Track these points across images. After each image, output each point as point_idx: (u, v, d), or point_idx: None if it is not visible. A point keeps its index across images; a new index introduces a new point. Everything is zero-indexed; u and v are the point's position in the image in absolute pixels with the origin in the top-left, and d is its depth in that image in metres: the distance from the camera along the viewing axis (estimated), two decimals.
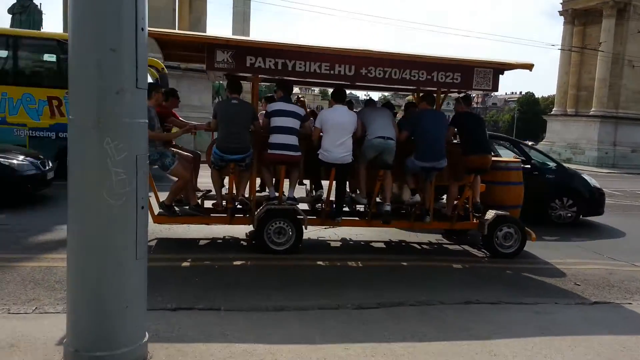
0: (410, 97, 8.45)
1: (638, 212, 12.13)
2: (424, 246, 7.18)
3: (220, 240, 6.80)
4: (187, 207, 6.37)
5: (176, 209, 6.33)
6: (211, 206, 6.39)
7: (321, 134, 6.15)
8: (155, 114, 6.05)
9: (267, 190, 6.65)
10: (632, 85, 28.86)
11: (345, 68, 6.13)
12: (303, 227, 6.17)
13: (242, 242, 6.82)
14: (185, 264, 5.64)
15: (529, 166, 8.82)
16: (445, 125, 6.53)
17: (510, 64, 6.40)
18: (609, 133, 30.14)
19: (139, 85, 2.94)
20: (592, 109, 30.60)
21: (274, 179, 6.48)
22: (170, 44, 6.54)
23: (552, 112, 35.59)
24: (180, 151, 6.46)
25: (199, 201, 6.57)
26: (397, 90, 7.72)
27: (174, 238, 6.73)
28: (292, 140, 5.93)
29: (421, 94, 6.97)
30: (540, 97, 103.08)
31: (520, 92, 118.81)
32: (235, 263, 5.77)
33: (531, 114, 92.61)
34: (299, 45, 5.83)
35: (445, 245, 7.29)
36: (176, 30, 6.15)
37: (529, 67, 6.27)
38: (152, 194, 6.24)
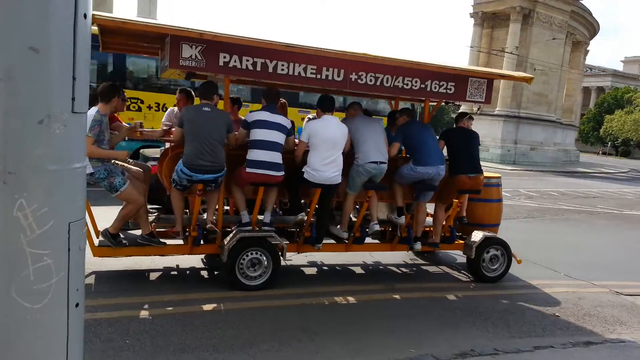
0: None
1: (562, 216, 12.40)
2: (402, 269, 6.53)
3: (175, 272, 5.66)
4: (138, 235, 5.18)
5: (122, 237, 5.12)
6: (170, 233, 5.22)
7: (307, 149, 5.25)
8: (107, 125, 4.80)
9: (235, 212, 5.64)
10: (533, 88, 30.50)
11: (334, 72, 5.26)
12: (281, 257, 5.25)
13: (201, 271, 5.75)
14: (143, 313, 4.48)
15: None
16: (434, 137, 5.92)
17: (512, 76, 5.90)
18: (510, 132, 31.72)
19: (76, 109, 1.83)
20: (497, 109, 32.06)
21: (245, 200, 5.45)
22: (115, 33, 5.24)
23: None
24: (128, 165, 5.21)
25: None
26: (386, 99, 6.95)
27: (114, 270, 5.47)
28: (276, 157, 4.97)
29: (400, 109, 6.28)
30: None
31: None
32: (205, 307, 4.70)
33: (438, 110, 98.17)
34: (286, 44, 4.85)
35: (423, 267, 6.70)
36: (131, 18, 4.82)
37: (528, 79, 5.80)
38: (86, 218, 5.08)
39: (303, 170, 5.17)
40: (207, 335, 4.06)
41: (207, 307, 4.68)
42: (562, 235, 9.57)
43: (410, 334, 4.45)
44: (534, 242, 8.44)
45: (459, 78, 5.72)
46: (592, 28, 40.16)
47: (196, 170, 4.72)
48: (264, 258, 5.16)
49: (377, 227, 5.74)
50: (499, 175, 6.98)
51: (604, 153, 63.85)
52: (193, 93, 6.10)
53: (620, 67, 79.32)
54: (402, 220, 5.89)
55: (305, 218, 5.42)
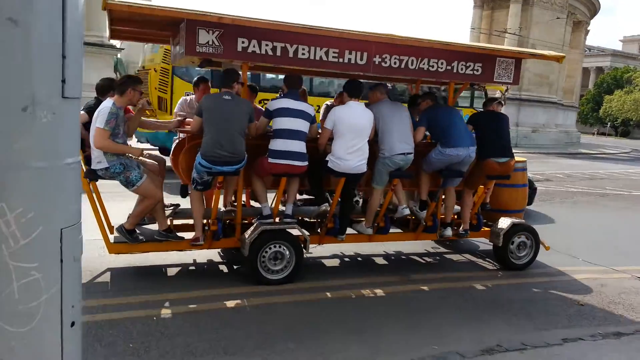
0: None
1: (571, 198, 12.12)
2: (425, 258, 6.33)
3: (193, 267, 5.44)
4: (155, 231, 4.95)
5: (138, 233, 4.90)
6: (189, 244, 4.95)
7: (331, 136, 5.01)
8: (123, 118, 4.55)
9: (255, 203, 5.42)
10: (534, 69, 30.16)
11: (357, 55, 4.99)
12: (304, 250, 5.05)
13: (219, 266, 5.54)
14: (165, 312, 4.27)
15: None
16: (462, 118, 5.68)
17: (543, 54, 5.64)
18: (512, 114, 31.32)
19: (67, 93, 1.58)
20: (498, 91, 31.75)
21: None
22: (126, 20, 4.97)
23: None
24: (143, 158, 4.96)
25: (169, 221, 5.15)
26: (407, 82, 6.68)
27: (131, 267, 5.26)
28: (300, 147, 4.74)
29: (423, 93, 6.02)
30: None
31: None
32: (228, 304, 4.50)
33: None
34: (310, 27, 4.59)
35: (446, 256, 6.50)
36: (144, 3, 4.52)
37: (560, 58, 5.54)
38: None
39: (327, 159, 4.94)
40: (217, 336, 3.83)
41: (220, 304, 4.47)
42: (574, 219, 9.34)
43: (432, 328, 4.24)
44: (547, 227, 8.18)
45: (486, 58, 5.47)
46: (593, 7, 39.65)
47: (215, 162, 4.48)
48: (287, 251, 4.95)
49: (407, 212, 5.54)
50: (525, 159, 6.76)
51: (601, 133, 63.61)
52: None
53: (619, 47, 78.79)
54: (424, 214, 5.69)
55: (329, 209, 5.20)
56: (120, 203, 5.75)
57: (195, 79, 5.99)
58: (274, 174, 4.85)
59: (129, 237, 4.73)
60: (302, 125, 4.73)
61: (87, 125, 4.58)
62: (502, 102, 5.84)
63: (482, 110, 5.95)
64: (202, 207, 4.86)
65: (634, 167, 23.30)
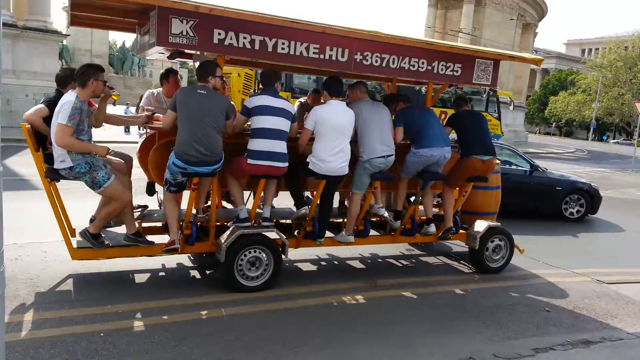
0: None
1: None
2: (402, 261, 6.21)
3: (163, 273, 5.10)
4: (122, 235, 4.60)
5: (103, 237, 4.53)
6: (163, 248, 4.52)
7: (312, 137, 4.78)
8: (87, 113, 4.16)
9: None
10: None
11: (338, 52, 4.79)
12: (283, 254, 4.82)
13: (190, 271, 5.23)
14: (137, 324, 3.94)
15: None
16: (438, 119, 5.59)
17: (523, 57, 5.60)
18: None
19: None
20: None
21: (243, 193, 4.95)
22: (87, 5, 4.57)
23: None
24: (110, 157, 4.58)
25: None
26: (384, 81, 6.50)
27: (94, 273, 4.88)
28: (282, 147, 4.49)
29: (397, 95, 5.87)
30: None
31: None
32: (202, 314, 4.21)
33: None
34: (292, 20, 4.34)
35: (421, 259, 6.41)
36: None
37: (538, 61, 5.52)
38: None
39: (308, 160, 4.71)
40: (170, 355, 3.52)
41: (195, 314, 4.18)
42: (530, 220, 9.34)
43: (403, 339, 4.03)
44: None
45: (466, 59, 5.38)
46: (541, 10, 41.01)
47: (190, 162, 4.17)
48: (265, 256, 4.71)
49: (383, 211, 5.43)
50: (499, 161, 6.74)
51: (546, 133, 66.14)
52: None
53: (563, 50, 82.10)
54: (399, 224, 5.57)
55: (309, 212, 4.98)
56: (82, 202, 5.35)
57: (163, 71, 5.63)
58: (253, 175, 4.58)
59: (94, 242, 4.36)
60: (283, 124, 4.48)
61: (48, 120, 4.17)
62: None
63: (458, 112, 5.84)
64: (177, 208, 4.53)
65: (580, 166, 24.22)
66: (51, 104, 4.27)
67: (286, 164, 4.53)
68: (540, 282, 5.81)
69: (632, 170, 23.06)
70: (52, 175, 4.26)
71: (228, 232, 4.65)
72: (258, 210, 4.93)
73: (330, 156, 4.66)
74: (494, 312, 4.77)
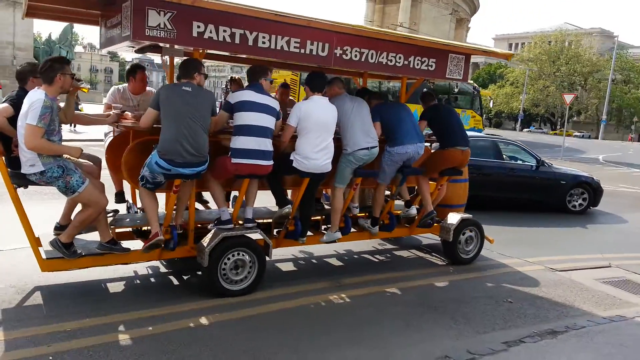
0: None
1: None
2: (377, 257, 6.20)
3: (138, 281, 4.81)
4: (94, 242, 4.29)
5: (75, 246, 4.20)
6: (147, 242, 4.24)
7: (294, 134, 4.64)
8: (57, 111, 3.81)
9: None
10: None
11: (319, 47, 4.67)
12: (267, 256, 4.67)
13: (168, 276, 4.97)
14: (123, 337, 3.68)
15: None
16: (412, 115, 5.60)
17: (494, 52, 5.70)
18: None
19: None
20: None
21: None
22: None
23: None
24: (80, 159, 4.24)
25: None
26: (354, 76, 6.38)
27: (61, 284, 4.52)
28: (267, 144, 4.33)
29: (369, 91, 5.80)
30: None
31: None
32: (190, 325, 3.97)
33: None
34: (276, 13, 4.18)
35: (395, 252, 6.43)
36: None
37: (508, 56, 5.64)
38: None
39: (292, 158, 4.57)
40: None
41: (181, 323, 3.95)
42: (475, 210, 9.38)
43: (376, 342, 3.91)
44: None
45: (439, 54, 5.41)
46: (473, 5, 42.44)
47: (175, 163, 3.93)
48: (248, 258, 4.54)
49: (357, 211, 5.46)
50: None
51: None
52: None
53: (492, 44, 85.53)
54: (376, 230, 5.59)
55: (291, 211, 4.84)
56: (37, 206, 4.95)
57: (129, 66, 5.30)
58: (237, 175, 4.38)
59: (65, 252, 4.03)
60: (268, 121, 4.31)
61: (11, 120, 3.80)
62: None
63: (431, 105, 5.89)
64: (155, 202, 4.24)
65: None
66: (15, 102, 3.90)
67: (271, 162, 4.38)
68: (497, 272, 5.89)
69: (561, 158, 24.34)
70: (20, 181, 3.90)
71: (210, 235, 4.44)
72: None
73: (314, 153, 4.55)
74: (460, 306, 4.74)
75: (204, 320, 4.03)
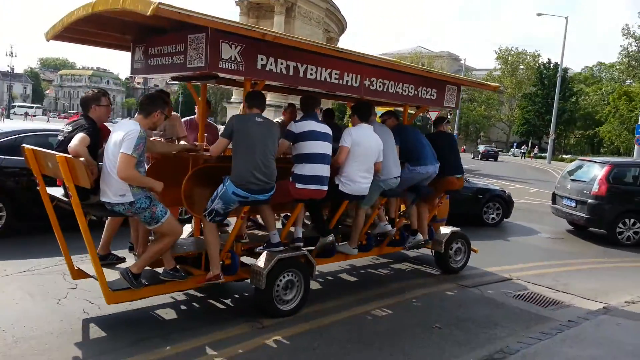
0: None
1: None
2: (381, 270, 6.63)
3: (184, 307, 4.79)
4: (157, 271, 4.27)
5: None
6: (204, 282, 4.35)
7: None
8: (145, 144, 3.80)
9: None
10: None
11: (353, 78, 5.07)
12: (310, 276, 4.92)
13: (208, 300, 4.99)
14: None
15: None
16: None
17: (481, 83, 6.45)
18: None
19: None
20: (268, 98, 32.80)
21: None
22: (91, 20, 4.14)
23: (232, 100, 35.09)
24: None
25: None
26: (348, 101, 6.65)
27: (112, 315, 4.39)
28: (328, 171, 4.63)
29: (386, 111, 6.27)
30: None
31: None
32: (267, 342, 4.09)
33: (194, 97, 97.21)
34: (340, 50, 4.56)
35: (392, 266, 6.91)
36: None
37: (495, 88, 6.42)
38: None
39: (337, 182, 4.87)
40: None
41: (259, 341, 4.10)
42: None
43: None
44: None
45: (439, 85, 6.03)
46: (341, 25, 43.96)
47: (252, 191, 4.10)
48: (297, 278, 4.75)
49: (389, 227, 5.83)
50: None
51: None
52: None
53: None
54: (392, 229, 6.02)
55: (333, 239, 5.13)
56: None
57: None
58: (298, 199, 4.60)
59: (134, 282, 3.98)
60: (328, 149, 4.60)
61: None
62: (449, 121, 6.52)
63: (435, 131, 6.49)
64: (218, 239, 4.33)
65: None
66: (91, 132, 3.81)
67: (327, 187, 4.66)
68: (418, 294, 5.75)
69: None
70: (96, 211, 3.81)
71: (263, 257, 4.59)
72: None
73: (360, 177, 4.90)
74: (391, 337, 4.49)
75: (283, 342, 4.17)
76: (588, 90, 53.97)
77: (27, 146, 4.23)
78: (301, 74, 4.63)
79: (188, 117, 6.21)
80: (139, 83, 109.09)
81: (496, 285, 6.31)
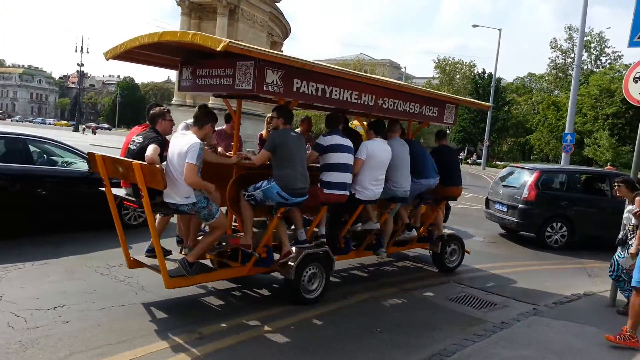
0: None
1: None
2: (396, 266, 7.37)
3: (238, 293, 5.57)
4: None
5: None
6: (239, 244, 5.12)
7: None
8: None
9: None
10: None
11: (369, 98, 5.86)
12: (330, 270, 5.67)
13: (242, 290, 5.71)
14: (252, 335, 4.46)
15: None
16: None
17: (474, 102, 7.32)
18: (224, 124, 32.46)
19: None
20: (210, 102, 31.94)
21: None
22: (156, 46, 4.88)
23: (173, 102, 35.04)
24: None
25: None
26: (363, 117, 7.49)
27: (171, 304, 5.10)
28: (350, 178, 5.43)
29: (391, 122, 7.06)
30: (140, 83, 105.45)
31: (119, 76, 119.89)
32: (291, 327, 4.76)
33: (132, 99, 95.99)
34: (352, 73, 5.33)
35: (396, 264, 7.72)
36: (218, 37, 4.54)
37: (487, 107, 7.28)
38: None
39: (354, 190, 5.63)
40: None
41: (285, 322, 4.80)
42: None
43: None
44: None
45: (440, 103, 6.87)
46: (285, 30, 44.15)
47: (294, 195, 4.85)
48: (320, 272, 5.49)
49: (414, 233, 6.76)
50: None
51: None
52: None
53: None
54: (415, 233, 6.91)
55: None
56: None
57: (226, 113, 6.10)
58: (325, 202, 5.36)
59: (189, 270, 4.69)
60: (351, 159, 5.40)
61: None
62: (447, 134, 7.37)
63: (439, 146, 7.34)
64: (252, 214, 5.13)
65: None
66: (160, 143, 4.52)
67: (349, 192, 5.44)
68: (359, 299, 5.86)
69: None
70: (165, 209, 4.52)
71: (293, 252, 5.33)
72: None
73: (372, 185, 5.70)
74: (335, 342, 4.56)
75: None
76: (519, 99, 56.21)
77: (96, 153, 4.93)
78: (327, 95, 5.38)
79: (218, 128, 6.93)
80: (73, 83, 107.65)
81: (435, 288, 6.54)
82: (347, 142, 5.45)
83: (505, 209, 10.60)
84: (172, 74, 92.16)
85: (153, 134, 4.70)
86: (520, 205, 10.14)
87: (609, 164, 29.81)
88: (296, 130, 7.30)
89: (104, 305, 4.89)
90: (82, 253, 6.57)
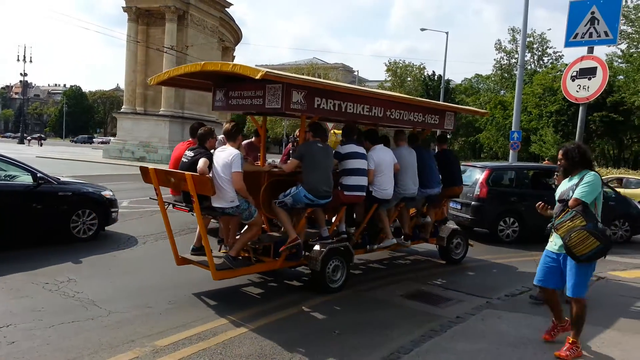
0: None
1: None
2: (287, 281, 6.73)
3: (274, 283, 6.41)
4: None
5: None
6: (289, 244, 5.82)
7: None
8: None
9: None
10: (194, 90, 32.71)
11: (379, 110, 6.69)
12: (350, 262, 6.46)
13: (274, 282, 6.50)
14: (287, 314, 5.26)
15: None
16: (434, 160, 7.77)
17: (471, 110, 8.18)
18: (176, 132, 32.57)
19: None
20: (161, 109, 32.95)
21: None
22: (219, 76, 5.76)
23: (122, 110, 35.51)
24: None
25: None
26: (393, 127, 8.35)
27: (215, 294, 5.85)
28: (366, 181, 6.25)
29: (397, 131, 7.86)
30: (87, 91, 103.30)
31: (65, 85, 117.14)
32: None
33: (79, 108, 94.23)
34: (364, 90, 6.21)
35: (406, 257, 8.54)
36: (251, 66, 5.38)
37: (485, 114, 8.12)
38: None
39: (370, 190, 6.45)
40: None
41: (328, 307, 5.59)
42: None
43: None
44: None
45: (441, 112, 7.71)
46: (237, 35, 44.87)
47: (319, 197, 5.68)
48: (341, 264, 6.29)
49: (428, 219, 7.69)
50: None
51: None
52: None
53: None
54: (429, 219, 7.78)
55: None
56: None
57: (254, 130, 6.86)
58: (344, 203, 6.18)
59: (234, 263, 5.52)
60: (365, 165, 6.25)
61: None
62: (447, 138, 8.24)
63: (442, 150, 8.18)
64: (287, 216, 5.86)
65: None
66: (209, 156, 5.34)
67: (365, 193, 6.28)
68: (316, 302, 5.81)
69: None
70: (212, 213, 5.37)
71: (318, 247, 6.12)
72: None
73: (389, 185, 6.54)
74: (293, 347, 4.53)
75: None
76: (468, 100, 56.62)
77: (148, 166, 5.75)
78: (343, 110, 6.23)
79: (247, 141, 7.82)
80: (16, 93, 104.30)
81: (391, 287, 6.59)
82: (361, 150, 6.29)
83: (459, 206, 10.84)
84: (120, 82, 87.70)
85: (203, 149, 5.53)
86: (473, 203, 10.44)
87: (546, 158, 30.90)
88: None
89: (52, 322, 4.74)
90: (28, 270, 6.36)
